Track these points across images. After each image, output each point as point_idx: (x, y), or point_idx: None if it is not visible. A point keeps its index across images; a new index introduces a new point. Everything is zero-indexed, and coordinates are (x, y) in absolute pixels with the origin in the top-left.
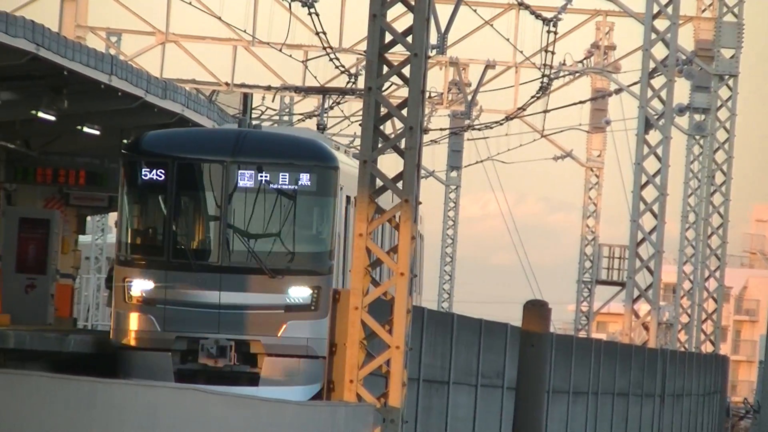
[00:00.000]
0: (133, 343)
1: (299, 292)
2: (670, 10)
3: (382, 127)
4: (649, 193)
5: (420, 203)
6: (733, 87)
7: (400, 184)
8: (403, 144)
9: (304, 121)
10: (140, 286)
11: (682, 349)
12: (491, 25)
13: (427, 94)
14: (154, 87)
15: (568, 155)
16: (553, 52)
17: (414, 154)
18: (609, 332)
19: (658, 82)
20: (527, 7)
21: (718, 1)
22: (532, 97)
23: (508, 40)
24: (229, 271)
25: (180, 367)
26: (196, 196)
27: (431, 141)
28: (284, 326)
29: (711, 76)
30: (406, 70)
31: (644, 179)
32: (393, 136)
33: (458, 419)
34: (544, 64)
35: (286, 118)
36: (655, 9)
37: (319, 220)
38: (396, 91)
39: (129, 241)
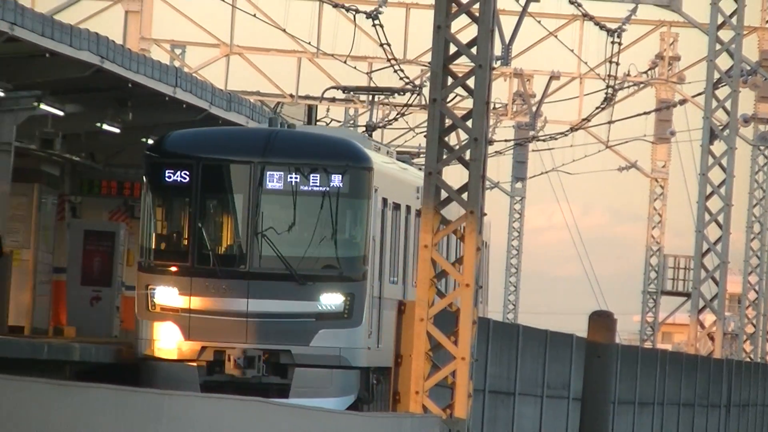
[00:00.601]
0: (156, 353)
1: (331, 300)
2: (734, 20)
3: (446, 139)
4: (714, 204)
5: (485, 214)
6: None
7: (465, 196)
8: (467, 155)
9: (367, 132)
10: (164, 293)
11: (748, 360)
12: (555, 37)
13: (492, 106)
14: (218, 99)
15: (633, 166)
16: (617, 63)
17: (479, 166)
18: (674, 343)
19: (722, 92)
20: (591, 18)
21: None
22: (597, 107)
23: (572, 51)
24: (258, 277)
25: (206, 379)
26: (222, 198)
27: (496, 152)
28: (315, 335)
29: None
30: (471, 82)
31: (709, 190)
32: (458, 147)
33: (524, 430)
34: (609, 75)
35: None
36: (720, 20)
37: (352, 224)
38: (461, 102)
39: (152, 247)
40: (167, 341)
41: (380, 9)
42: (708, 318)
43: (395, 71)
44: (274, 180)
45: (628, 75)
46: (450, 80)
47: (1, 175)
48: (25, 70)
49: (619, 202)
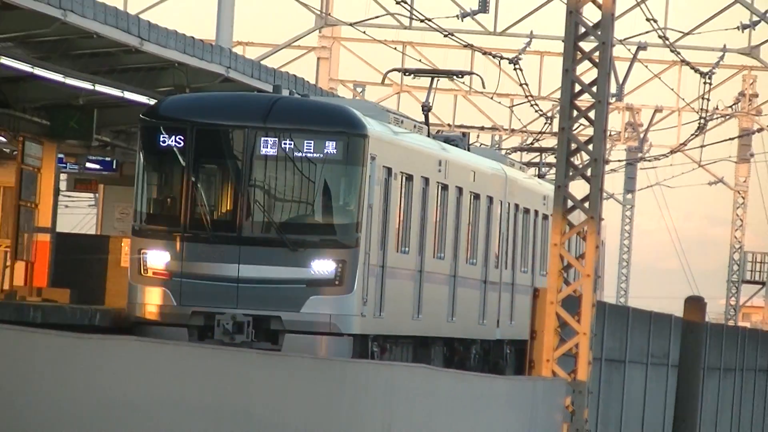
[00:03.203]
0: (147, 317)
1: (323, 266)
2: None
3: (573, 159)
4: None
5: (602, 219)
6: None
7: (586, 204)
8: (589, 172)
9: (510, 154)
10: (156, 257)
11: None
12: (659, 78)
13: (608, 133)
14: None
15: (720, 181)
16: (708, 99)
17: (597, 180)
18: (752, 321)
19: None
20: (688, 64)
21: None
22: (692, 134)
23: (672, 89)
24: (249, 243)
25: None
26: (215, 163)
27: (611, 170)
28: (306, 301)
29: None
30: (592, 114)
31: None
32: (581, 166)
33: (632, 391)
34: (702, 109)
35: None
36: None
37: (346, 191)
38: (583, 130)
39: (145, 211)
40: (158, 305)
41: (520, 56)
42: None
43: (531, 105)
44: (268, 146)
45: (717, 108)
46: (575, 112)
47: None
48: None
49: (711, 210)
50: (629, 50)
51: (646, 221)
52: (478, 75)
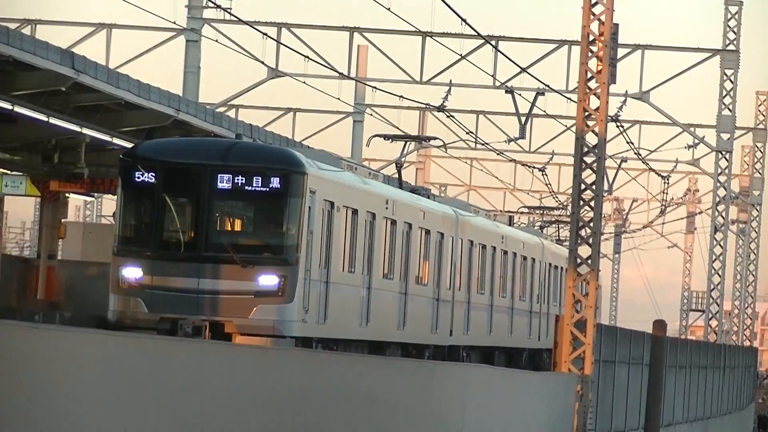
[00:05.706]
0: (124, 322)
1: (267, 280)
2: (726, 170)
3: (580, 232)
4: (717, 264)
5: (599, 271)
6: (760, 210)
7: (589, 261)
8: (590, 241)
9: (397, 169)
10: (131, 273)
11: (734, 344)
12: (635, 180)
13: (602, 215)
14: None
15: (675, 246)
16: (666, 193)
17: (597, 245)
18: (696, 336)
19: (721, 207)
20: (653, 170)
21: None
22: (656, 216)
23: (643, 186)
24: (207, 261)
25: None
26: (181, 195)
27: (604, 239)
28: (254, 309)
29: (747, 204)
30: (592, 203)
31: (714, 257)
32: (586, 236)
33: (620, 381)
34: (663, 199)
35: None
36: (719, 170)
37: (288, 218)
38: (587, 213)
39: (123, 235)
40: (133, 312)
41: (545, 166)
42: (713, 323)
43: (553, 197)
44: (224, 181)
45: (672, 199)
46: (582, 202)
47: None
48: None
49: (670, 264)
50: (615, 162)
51: (628, 272)
52: (440, 139)
